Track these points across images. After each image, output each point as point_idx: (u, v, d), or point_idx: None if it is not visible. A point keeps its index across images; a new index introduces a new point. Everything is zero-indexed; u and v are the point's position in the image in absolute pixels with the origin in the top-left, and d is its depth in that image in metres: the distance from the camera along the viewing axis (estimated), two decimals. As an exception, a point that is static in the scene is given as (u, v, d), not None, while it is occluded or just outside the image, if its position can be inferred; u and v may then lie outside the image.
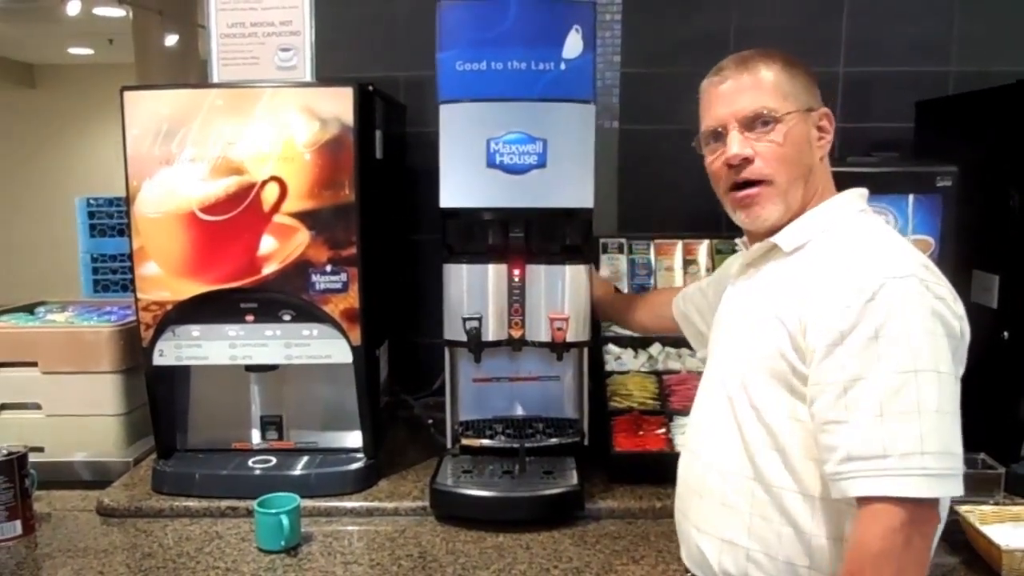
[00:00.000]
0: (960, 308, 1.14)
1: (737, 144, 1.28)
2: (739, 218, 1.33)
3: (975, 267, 1.99)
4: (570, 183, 1.82)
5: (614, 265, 2.29)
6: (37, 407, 2.11)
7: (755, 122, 1.27)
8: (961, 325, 1.13)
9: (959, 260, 1.88)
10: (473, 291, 1.88)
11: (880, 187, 1.85)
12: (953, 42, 2.40)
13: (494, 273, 1.87)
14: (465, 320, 1.87)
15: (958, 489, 1.08)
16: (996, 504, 1.72)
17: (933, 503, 1.08)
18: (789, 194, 1.27)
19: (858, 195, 1.31)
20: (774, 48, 1.33)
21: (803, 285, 1.18)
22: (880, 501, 1.06)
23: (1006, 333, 1.89)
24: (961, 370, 1.15)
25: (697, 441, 1.37)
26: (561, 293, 1.87)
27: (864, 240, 1.20)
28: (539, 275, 1.87)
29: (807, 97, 1.29)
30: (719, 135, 1.32)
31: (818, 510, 1.17)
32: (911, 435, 1.05)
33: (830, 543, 1.17)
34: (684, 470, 1.39)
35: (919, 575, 1.10)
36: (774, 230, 1.29)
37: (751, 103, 1.27)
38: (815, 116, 1.29)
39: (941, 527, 1.18)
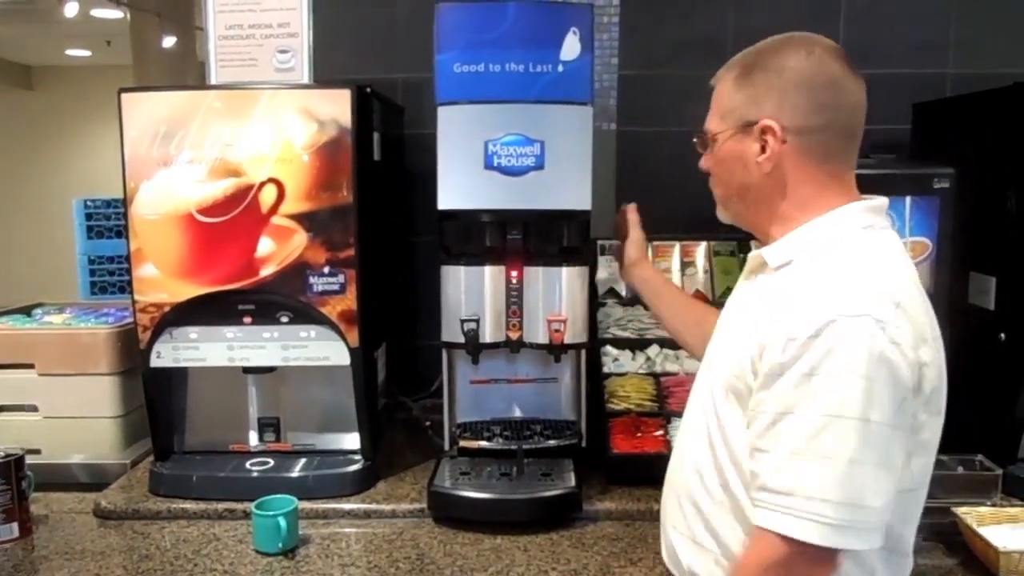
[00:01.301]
0: (925, 354, 1.08)
1: (701, 158, 1.34)
2: None
3: (972, 269, 1.99)
4: (568, 185, 1.82)
5: (612, 267, 2.28)
6: (34, 409, 2.11)
7: (704, 140, 1.32)
8: (918, 373, 1.07)
9: (956, 262, 1.88)
10: (471, 293, 1.88)
11: (877, 189, 1.84)
12: (950, 44, 2.41)
13: (492, 275, 1.87)
14: (463, 322, 1.87)
15: (863, 544, 1.05)
16: (993, 505, 1.73)
17: (829, 552, 1.04)
18: (729, 207, 1.32)
19: (866, 208, 1.20)
20: (763, 45, 1.25)
21: (769, 310, 1.14)
22: (773, 533, 1.06)
23: (1003, 335, 1.89)
24: (926, 419, 1.11)
25: (681, 440, 1.37)
26: (559, 295, 1.87)
27: (837, 268, 1.13)
28: (537, 277, 1.87)
29: (751, 110, 1.21)
30: None
31: None
32: (818, 481, 1.03)
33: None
34: (668, 469, 1.39)
35: None
36: (764, 235, 1.27)
37: (705, 123, 1.32)
38: (755, 131, 1.20)
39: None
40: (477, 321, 1.86)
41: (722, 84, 1.27)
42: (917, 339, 1.07)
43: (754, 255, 1.27)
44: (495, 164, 1.80)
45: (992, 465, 1.80)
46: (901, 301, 1.07)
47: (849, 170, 1.23)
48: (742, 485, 1.17)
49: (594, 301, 2.20)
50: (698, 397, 1.32)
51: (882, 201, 1.23)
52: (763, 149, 1.20)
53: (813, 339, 1.04)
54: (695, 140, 1.33)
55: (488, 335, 1.88)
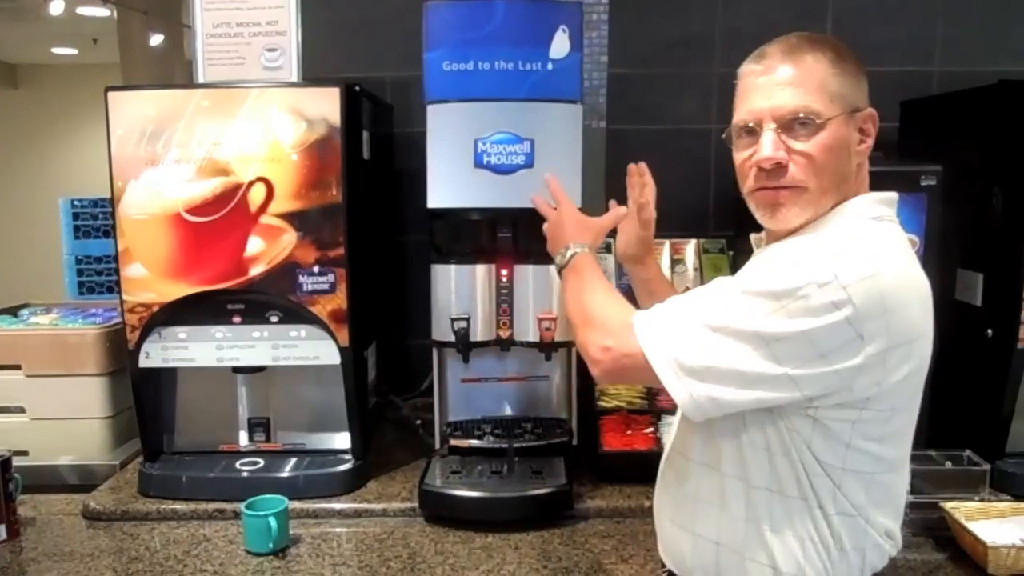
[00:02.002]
0: (869, 329, 1.04)
1: (771, 146, 1.15)
2: (762, 217, 1.22)
3: (959, 266, 2.00)
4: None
5: (602, 265, 2.28)
6: (21, 411, 2.10)
7: (795, 124, 1.14)
8: (859, 343, 1.04)
9: (943, 259, 1.89)
10: (461, 291, 1.88)
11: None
12: (937, 43, 2.42)
13: (482, 273, 1.88)
14: (453, 320, 1.86)
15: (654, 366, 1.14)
16: (982, 500, 1.74)
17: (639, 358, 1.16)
18: (820, 202, 1.16)
19: (875, 200, 1.18)
20: (817, 34, 1.18)
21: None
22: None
23: (990, 331, 1.90)
24: (891, 410, 1.11)
25: (674, 437, 1.35)
26: (549, 293, 1.87)
27: (822, 239, 1.13)
28: (527, 275, 1.88)
29: (854, 96, 1.15)
30: (752, 131, 1.18)
31: (784, 508, 1.15)
32: (666, 309, 1.17)
33: (797, 543, 1.15)
34: (662, 462, 1.37)
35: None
36: (794, 232, 1.21)
37: (793, 102, 1.14)
38: (859, 118, 1.16)
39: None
40: (467, 319, 1.87)
41: (817, 64, 1.14)
42: (874, 309, 1.04)
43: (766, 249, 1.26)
44: (485, 162, 1.80)
45: (980, 460, 1.82)
46: (882, 274, 1.06)
47: None
48: (741, 475, 1.17)
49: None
50: None
51: (893, 194, 1.21)
52: (862, 139, 1.18)
53: (764, 261, 1.13)
54: (799, 118, 1.14)
55: (478, 333, 1.88)
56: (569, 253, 1.45)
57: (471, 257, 1.88)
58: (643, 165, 1.65)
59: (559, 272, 1.48)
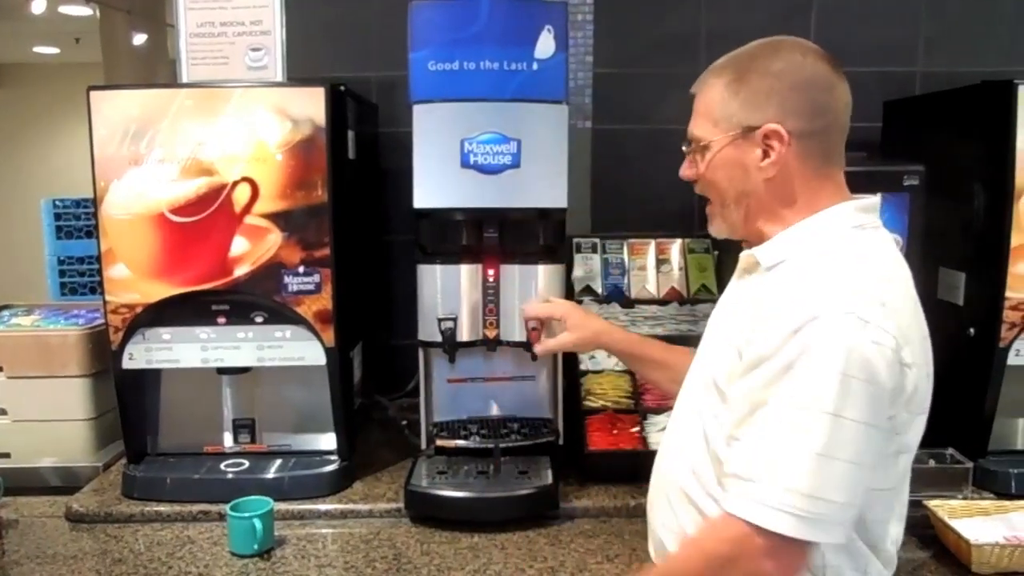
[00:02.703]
0: (908, 355, 1.07)
1: (684, 165, 1.30)
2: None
3: (941, 265, 2.02)
4: (544, 183, 1.82)
5: (588, 264, 2.29)
6: (3, 412, 2.08)
7: (692, 148, 1.27)
8: (900, 374, 1.07)
9: (926, 258, 1.91)
10: (447, 291, 1.87)
11: (848, 187, 1.87)
12: (920, 43, 2.44)
13: (468, 273, 1.87)
14: (440, 321, 1.86)
15: (826, 536, 1.06)
16: (965, 499, 1.75)
17: (788, 542, 1.05)
18: (728, 214, 1.26)
19: (857, 208, 1.20)
20: (752, 48, 1.23)
21: (760, 305, 1.15)
22: (739, 519, 1.06)
23: (972, 330, 1.92)
24: (908, 418, 1.12)
25: (670, 438, 1.36)
26: (535, 293, 1.87)
27: (826, 266, 1.13)
28: (513, 275, 1.88)
29: (749, 116, 1.19)
30: None
31: None
32: (784, 470, 1.04)
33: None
34: (656, 467, 1.38)
35: None
36: (760, 240, 1.25)
37: (690, 127, 1.27)
38: (757, 136, 1.18)
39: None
40: (454, 320, 1.86)
41: (710, 89, 1.23)
42: (901, 339, 1.07)
43: (746, 255, 1.27)
44: (472, 162, 1.80)
45: (963, 458, 1.83)
46: (887, 300, 1.08)
47: (841, 169, 1.24)
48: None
49: (570, 299, 2.21)
50: (688, 396, 1.32)
51: (874, 200, 1.23)
52: (765, 155, 1.19)
53: (794, 334, 1.05)
54: (684, 149, 1.29)
55: (465, 334, 1.88)
56: None
57: (457, 257, 1.88)
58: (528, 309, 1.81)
59: None
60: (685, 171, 1.30)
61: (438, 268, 1.88)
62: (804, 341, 1.04)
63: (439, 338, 1.87)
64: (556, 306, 1.78)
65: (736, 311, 1.26)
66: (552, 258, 1.90)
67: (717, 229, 1.30)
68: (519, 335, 1.87)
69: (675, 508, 1.27)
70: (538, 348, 1.79)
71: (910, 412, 1.12)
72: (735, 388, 1.13)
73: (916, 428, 1.15)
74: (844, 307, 1.05)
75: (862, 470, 1.06)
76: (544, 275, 1.87)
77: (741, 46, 1.25)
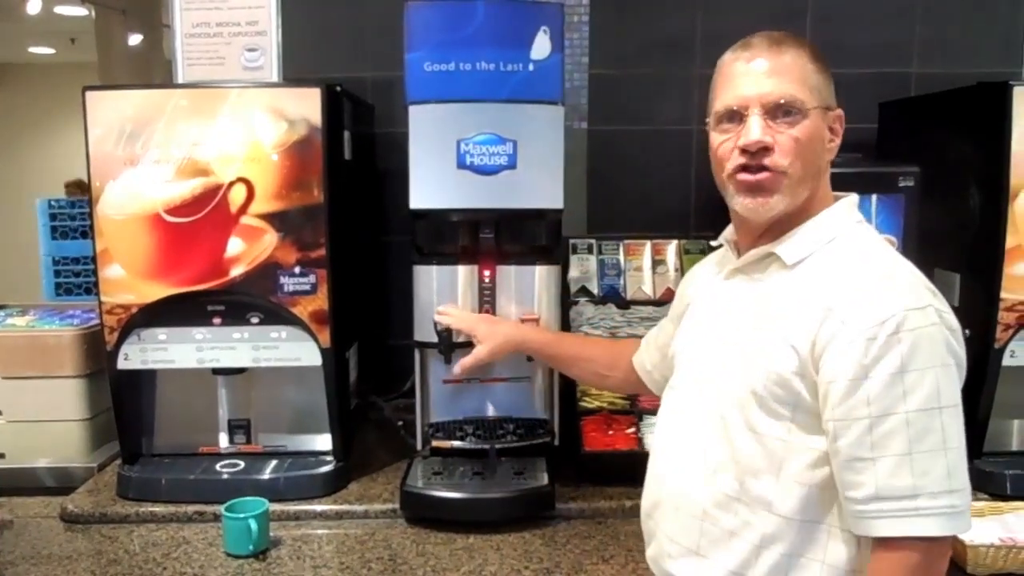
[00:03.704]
0: (961, 336, 1.12)
1: (759, 130, 1.16)
2: (742, 203, 1.21)
3: (936, 266, 2.02)
4: (540, 184, 1.82)
5: (584, 265, 2.29)
6: (-2, 413, 2.08)
7: (779, 111, 1.17)
8: (963, 354, 1.12)
9: (921, 259, 1.90)
10: (443, 292, 1.87)
11: (844, 187, 1.87)
12: (915, 44, 2.44)
13: (464, 274, 1.87)
14: (436, 322, 1.86)
15: (970, 522, 1.09)
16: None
17: (949, 538, 1.07)
18: (798, 190, 1.18)
19: (851, 203, 1.25)
20: (785, 34, 1.22)
21: (815, 308, 1.11)
22: (904, 540, 1.05)
23: (967, 331, 1.91)
24: None
25: (679, 452, 1.28)
26: (531, 293, 1.87)
27: (876, 263, 1.15)
28: (509, 276, 1.88)
29: (828, 94, 1.20)
30: (735, 115, 1.19)
31: (803, 533, 1.14)
32: (939, 474, 1.04)
33: (818, 567, 1.13)
34: (660, 476, 1.32)
35: None
36: (767, 233, 1.23)
37: (780, 89, 1.17)
38: (831, 116, 1.21)
39: None
40: (449, 320, 1.86)
41: (797, 57, 1.18)
42: (957, 322, 1.12)
43: (757, 253, 1.23)
44: (468, 163, 1.80)
45: (957, 459, 1.83)
46: (933, 288, 1.14)
47: None
48: (778, 493, 1.14)
49: (566, 299, 2.21)
50: (703, 404, 1.25)
51: (855, 196, 1.27)
52: (832, 136, 1.22)
53: (892, 336, 1.05)
54: (783, 105, 1.16)
55: (461, 334, 1.87)
56: None
57: (453, 258, 1.88)
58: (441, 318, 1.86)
59: None
60: (762, 136, 1.16)
61: (434, 269, 1.88)
62: (907, 341, 1.05)
63: (435, 339, 1.87)
64: (462, 321, 1.83)
65: (755, 313, 1.21)
66: (548, 259, 1.90)
67: (776, 202, 1.19)
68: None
69: (685, 524, 1.23)
70: (456, 369, 1.82)
71: None
72: (842, 406, 1.08)
73: None
74: (920, 301, 1.08)
75: (964, 449, 1.08)
76: (540, 276, 1.87)
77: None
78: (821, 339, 1.10)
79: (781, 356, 1.13)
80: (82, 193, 7.89)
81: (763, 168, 1.18)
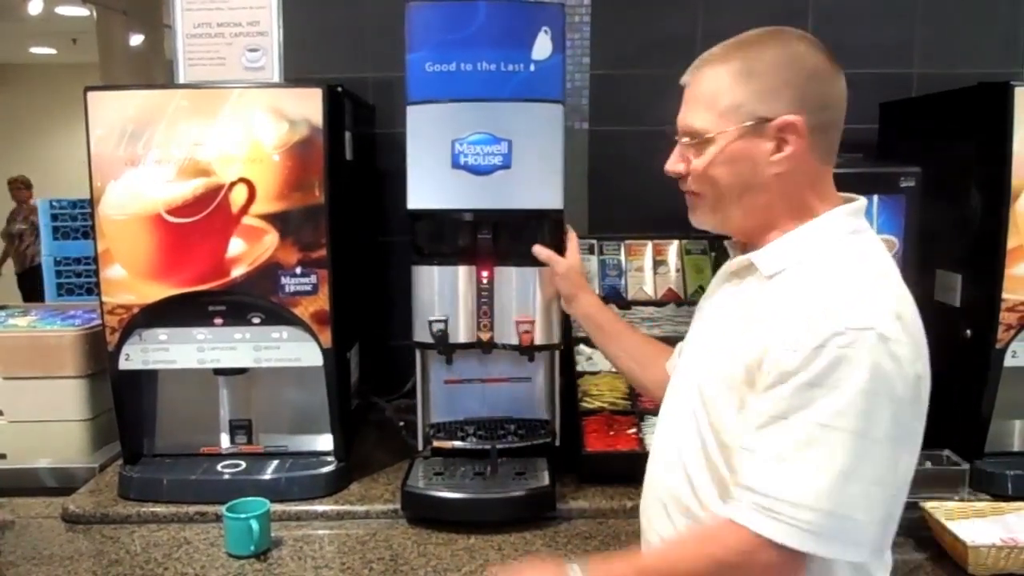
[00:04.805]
0: (921, 367, 1.07)
1: (672, 159, 1.25)
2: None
3: (938, 267, 2.02)
4: (537, 184, 1.81)
5: (585, 266, 2.29)
6: (-1, 413, 2.08)
7: (685, 138, 1.21)
8: (916, 387, 1.06)
9: (922, 260, 1.91)
10: (443, 293, 1.87)
11: (845, 188, 1.87)
12: (916, 45, 2.44)
13: (464, 275, 1.87)
14: (431, 323, 1.86)
15: (850, 555, 1.06)
16: (961, 500, 1.75)
17: (797, 556, 1.04)
18: (722, 208, 1.21)
19: (850, 212, 1.19)
20: (755, 36, 1.20)
21: (770, 317, 1.12)
22: (748, 530, 1.05)
23: (969, 331, 1.92)
24: (918, 427, 1.10)
25: (663, 446, 1.32)
26: (531, 295, 1.87)
27: (837, 276, 1.10)
28: (509, 277, 1.87)
29: (761, 106, 1.14)
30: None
31: None
32: (812, 489, 1.02)
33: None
34: (649, 473, 1.35)
35: None
36: (748, 242, 1.24)
37: (685, 119, 1.21)
38: (771, 129, 1.14)
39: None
40: (445, 321, 1.86)
41: (712, 79, 1.18)
42: (916, 352, 1.06)
43: (741, 260, 1.24)
44: (462, 163, 1.79)
45: (959, 460, 1.83)
46: (902, 313, 1.07)
47: (833, 168, 1.22)
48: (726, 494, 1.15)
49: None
50: (679, 402, 1.28)
51: (862, 203, 1.21)
52: (778, 148, 1.15)
53: (819, 349, 1.03)
54: (680, 140, 1.22)
55: (461, 335, 1.87)
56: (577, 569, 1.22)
57: (453, 259, 1.87)
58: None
59: None
60: (673, 166, 1.24)
61: (435, 269, 1.87)
62: (828, 357, 1.02)
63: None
64: (560, 262, 1.78)
65: (731, 316, 1.23)
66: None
67: (701, 221, 1.25)
68: (514, 337, 1.87)
69: (672, 517, 1.25)
70: (536, 247, 1.79)
71: (920, 421, 1.10)
72: (755, 401, 1.10)
73: (921, 434, 1.13)
74: (864, 322, 1.03)
75: (886, 488, 1.05)
76: (540, 278, 1.86)
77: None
78: (765, 345, 1.09)
79: (736, 357, 1.15)
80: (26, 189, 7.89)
81: (688, 190, 1.25)
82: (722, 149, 1.17)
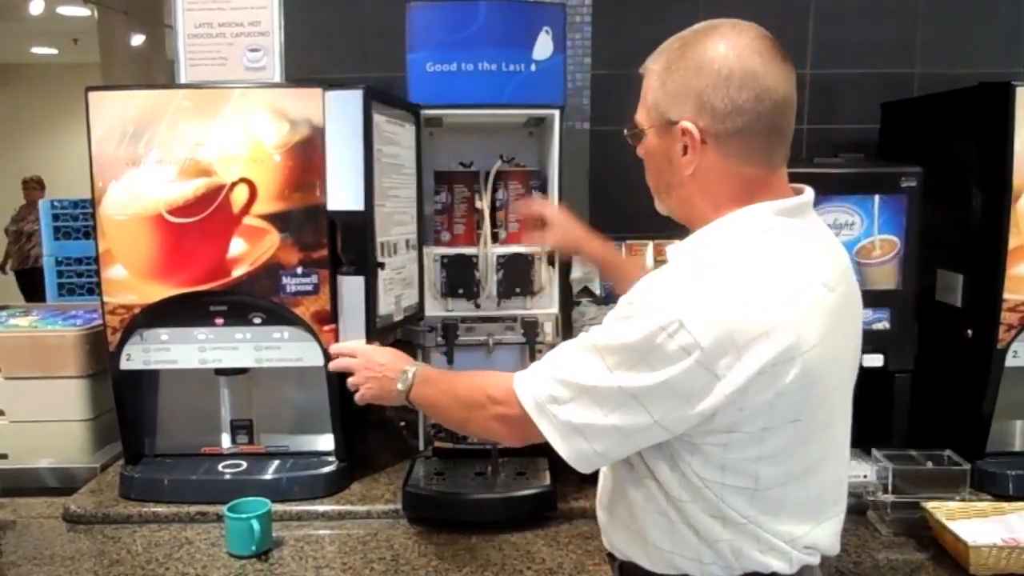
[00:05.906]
0: (724, 366, 1.02)
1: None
2: None
3: (939, 267, 2.02)
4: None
5: (586, 265, 2.29)
6: (0, 413, 2.08)
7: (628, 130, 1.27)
8: (711, 385, 1.03)
9: (924, 260, 1.91)
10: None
11: (846, 188, 1.88)
12: (917, 45, 2.44)
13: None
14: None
15: (560, 444, 1.16)
16: (962, 500, 1.75)
17: (524, 424, 1.18)
18: (662, 200, 1.26)
19: (777, 210, 1.12)
20: (691, 34, 1.19)
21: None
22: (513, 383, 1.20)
23: (970, 331, 1.92)
24: (763, 428, 1.06)
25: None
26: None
27: (688, 267, 1.11)
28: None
29: (675, 107, 1.14)
30: None
31: (696, 516, 1.14)
32: (555, 370, 1.15)
33: (709, 550, 1.14)
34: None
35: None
36: (693, 228, 1.21)
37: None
38: (676, 131, 1.14)
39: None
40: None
41: (649, 76, 1.20)
42: (716, 351, 1.02)
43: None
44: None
45: (960, 460, 1.83)
46: (728, 310, 1.03)
47: (775, 170, 1.15)
48: (659, 489, 1.17)
49: (568, 300, 2.20)
50: None
51: (799, 200, 1.15)
52: (685, 151, 1.14)
53: (618, 309, 1.11)
54: (624, 132, 1.26)
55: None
56: (410, 374, 1.47)
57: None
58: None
59: (407, 399, 1.48)
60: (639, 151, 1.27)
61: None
62: (615, 315, 1.11)
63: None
64: (547, 209, 1.88)
65: None
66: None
67: (657, 206, 1.29)
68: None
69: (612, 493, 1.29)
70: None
71: (769, 422, 1.07)
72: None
73: (786, 434, 1.09)
74: (665, 306, 1.05)
75: (624, 437, 1.11)
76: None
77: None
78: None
79: None
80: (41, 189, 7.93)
81: None
82: (646, 145, 1.23)
